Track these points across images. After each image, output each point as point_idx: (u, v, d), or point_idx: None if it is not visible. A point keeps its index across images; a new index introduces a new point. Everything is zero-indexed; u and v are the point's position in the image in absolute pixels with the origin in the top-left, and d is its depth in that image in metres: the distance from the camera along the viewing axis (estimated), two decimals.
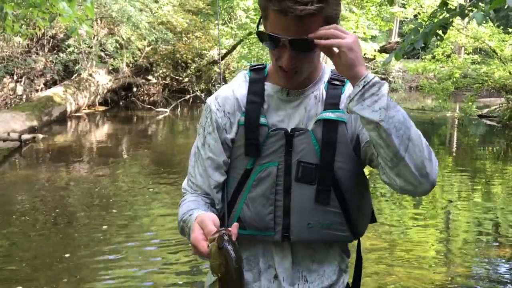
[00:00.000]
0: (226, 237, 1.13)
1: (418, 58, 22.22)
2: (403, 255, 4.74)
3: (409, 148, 1.24)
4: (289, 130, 1.40)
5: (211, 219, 1.22)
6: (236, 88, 1.47)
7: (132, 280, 4.00)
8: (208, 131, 1.46)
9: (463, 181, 8.05)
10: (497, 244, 5.23)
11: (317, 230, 1.39)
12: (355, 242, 1.54)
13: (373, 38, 20.85)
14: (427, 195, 1.33)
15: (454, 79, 14.29)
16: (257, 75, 1.47)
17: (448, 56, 15.06)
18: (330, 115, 1.39)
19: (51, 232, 5.14)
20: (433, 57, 15.45)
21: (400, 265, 4.51)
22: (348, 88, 1.44)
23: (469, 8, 3.75)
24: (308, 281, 1.44)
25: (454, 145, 12.32)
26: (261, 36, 1.34)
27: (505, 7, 2.73)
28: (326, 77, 1.47)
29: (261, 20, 1.37)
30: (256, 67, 1.51)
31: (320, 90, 1.44)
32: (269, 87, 1.45)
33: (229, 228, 1.18)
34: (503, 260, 4.75)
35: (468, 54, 16.26)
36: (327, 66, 1.52)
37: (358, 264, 1.56)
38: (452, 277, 4.37)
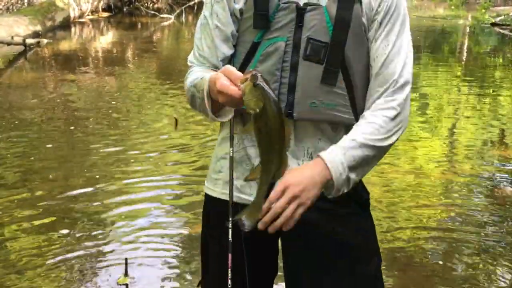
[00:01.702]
0: (259, 75, 1.12)
1: None
2: (409, 155, 4.83)
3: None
4: (301, 4, 1.34)
5: (234, 68, 1.21)
6: None
7: (136, 182, 4.07)
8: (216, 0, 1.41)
9: (471, 88, 7.99)
10: (503, 147, 5.29)
11: (320, 109, 1.36)
12: None
13: None
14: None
15: None
16: None
17: None
18: None
19: (61, 136, 5.21)
20: None
21: (406, 163, 4.62)
22: None
23: None
24: (313, 158, 1.40)
25: (464, 54, 12.12)
26: None
27: None
28: None
29: None
30: None
31: None
32: None
33: None
34: (508, 162, 4.84)
35: None
36: None
37: None
38: (457, 173, 4.48)
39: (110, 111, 5.97)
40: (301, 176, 1.27)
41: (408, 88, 1.40)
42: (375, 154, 1.36)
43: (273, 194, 1.22)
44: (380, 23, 1.38)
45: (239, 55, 1.41)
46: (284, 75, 1.36)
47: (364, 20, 1.36)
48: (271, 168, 1.21)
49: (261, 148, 1.20)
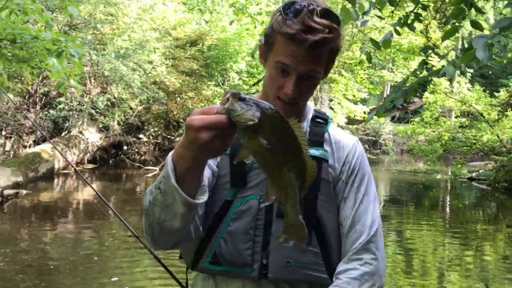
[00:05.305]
0: (239, 92, 0.99)
1: (407, 122, 22.53)
2: None
3: None
4: None
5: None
6: None
7: None
8: None
9: (455, 245, 7.93)
10: None
11: (296, 269, 1.34)
12: None
13: (364, 101, 21.23)
14: None
15: (443, 142, 14.39)
16: None
17: (436, 119, 15.25)
18: (314, 152, 1.37)
19: None
20: (422, 120, 15.64)
21: None
22: (332, 127, 1.47)
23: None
24: None
25: (446, 208, 12.22)
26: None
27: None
28: (310, 113, 1.47)
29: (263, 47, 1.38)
30: None
31: (304, 128, 1.43)
32: None
33: None
34: None
35: (456, 117, 16.48)
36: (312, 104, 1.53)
37: None
38: None
39: (86, 270, 5.70)
40: None
41: (376, 246, 1.37)
42: None
43: None
44: (346, 183, 1.41)
45: (209, 215, 1.37)
46: (258, 234, 1.35)
47: (331, 179, 1.39)
48: (289, 180, 1.02)
49: (271, 164, 1.01)
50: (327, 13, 1.28)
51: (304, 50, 1.26)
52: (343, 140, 1.47)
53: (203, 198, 1.16)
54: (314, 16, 1.26)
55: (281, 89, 1.32)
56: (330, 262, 1.37)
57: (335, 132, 1.49)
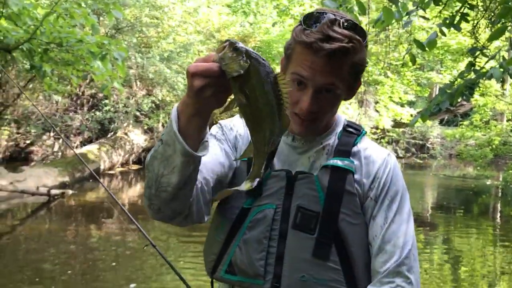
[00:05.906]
0: (239, 42, 0.98)
1: (456, 125, 21.84)
2: None
3: None
4: (292, 173, 1.32)
5: None
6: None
7: None
8: (211, 133, 1.41)
9: (506, 254, 7.62)
10: None
11: (311, 284, 1.26)
12: None
13: (412, 103, 20.72)
14: None
15: (494, 146, 13.86)
16: None
17: (487, 122, 14.70)
18: (338, 162, 1.30)
19: None
20: (471, 123, 15.14)
21: None
22: (364, 140, 1.38)
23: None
24: None
25: (496, 216, 11.79)
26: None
27: None
28: (340, 127, 1.39)
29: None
30: None
31: (332, 141, 1.36)
32: None
33: None
34: None
35: (508, 120, 15.86)
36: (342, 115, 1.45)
37: None
38: None
39: (131, 267, 5.80)
40: None
41: (409, 269, 1.26)
42: None
43: None
44: (376, 201, 1.31)
45: (228, 221, 1.34)
46: (272, 244, 1.29)
47: (356, 193, 1.30)
48: (264, 135, 1.02)
49: (254, 118, 1.01)
50: (351, 25, 1.23)
51: (321, 60, 1.20)
52: (373, 154, 1.37)
53: (204, 153, 1.14)
54: (334, 26, 1.21)
55: (297, 104, 1.26)
56: (354, 282, 1.28)
57: (367, 145, 1.39)
